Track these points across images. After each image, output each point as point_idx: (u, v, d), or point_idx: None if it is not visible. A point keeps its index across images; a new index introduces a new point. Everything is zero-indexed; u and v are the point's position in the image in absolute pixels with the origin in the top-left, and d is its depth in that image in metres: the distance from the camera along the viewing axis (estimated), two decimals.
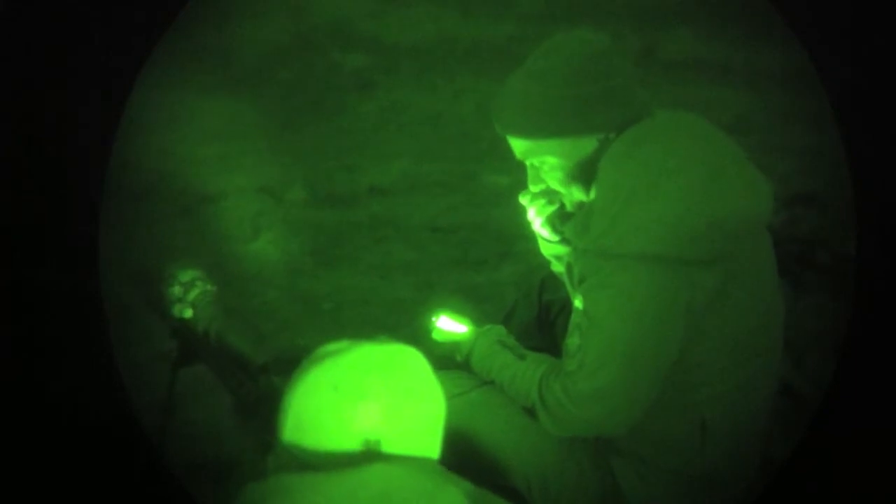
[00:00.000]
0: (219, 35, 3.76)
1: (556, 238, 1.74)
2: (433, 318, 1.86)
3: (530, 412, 1.64)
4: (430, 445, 1.22)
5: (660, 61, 3.92)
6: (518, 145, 1.61)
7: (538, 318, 1.96)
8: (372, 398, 1.18)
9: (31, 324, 2.22)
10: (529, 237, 1.81)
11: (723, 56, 3.89)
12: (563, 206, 1.70)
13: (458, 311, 1.87)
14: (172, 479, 1.80)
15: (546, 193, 1.70)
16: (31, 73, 2.66)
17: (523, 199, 1.74)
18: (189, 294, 1.75)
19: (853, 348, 1.95)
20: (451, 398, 1.29)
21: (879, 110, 2.60)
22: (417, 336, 1.84)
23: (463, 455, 1.35)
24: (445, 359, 1.80)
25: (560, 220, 1.69)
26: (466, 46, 4.00)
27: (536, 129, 1.57)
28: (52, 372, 2.11)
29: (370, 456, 1.17)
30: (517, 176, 1.71)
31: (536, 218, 1.75)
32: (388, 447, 1.18)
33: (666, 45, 4.01)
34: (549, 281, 1.90)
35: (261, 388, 1.63)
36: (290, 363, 1.34)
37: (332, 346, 1.25)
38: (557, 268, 1.77)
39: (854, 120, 2.59)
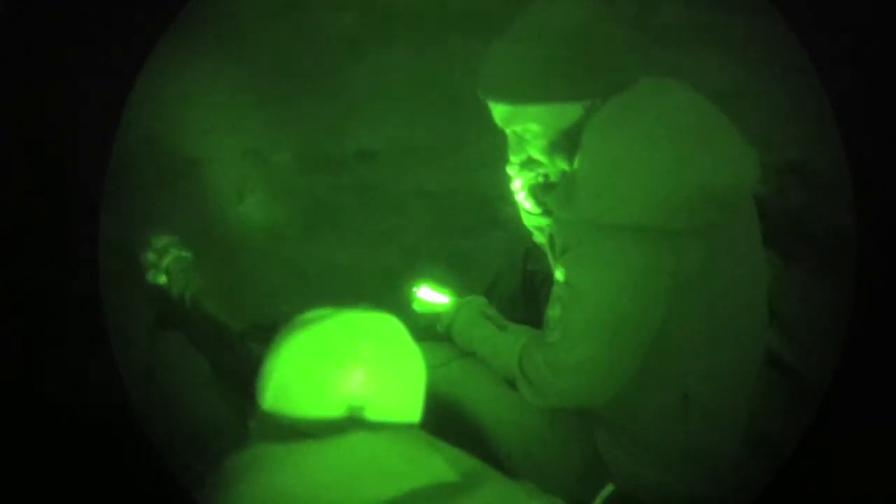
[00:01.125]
0: None
1: (538, 210, 1.72)
2: (414, 289, 1.85)
3: (511, 383, 1.64)
4: (412, 411, 1.23)
5: (655, 25, 3.86)
6: (501, 111, 1.59)
7: (522, 288, 1.95)
8: (355, 364, 1.18)
9: (30, 324, 2.22)
10: (514, 205, 1.78)
11: (718, 21, 3.84)
12: (546, 176, 1.68)
13: (442, 280, 1.86)
14: (172, 479, 1.80)
15: (529, 163, 1.67)
16: (31, 73, 2.66)
17: (510, 170, 1.72)
18: (163, 260, 1.75)
19: (853, 348, 1.95)
20: (432, 369, 1.29)
21: (879, 104, 2.59)
22: (402, 304, 1.83)
23: (444, 425, 1.34)
24: (427, 329, 1.79)
25: (543, 190, 1.68)
26: (458, 9, 3.93)
27: (520, 93, 1.55)
28: (51, 372, 2.11)
29: (354, 422, 1.17)
30: (505, 142, 1.68)
31: (520, 190, 1.73)
32: (371, 413, 1.18)
33: (661, 9, 3.96)
34: (534, 251, 1.87)
35: (238, 354, 1.62)
36: (269, 330, 1.33)
37: (313, 313, 1.24)
38: (539, 238, 1.75)
39: (854, 115, 2.59)
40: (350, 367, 1.18)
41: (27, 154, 2.64)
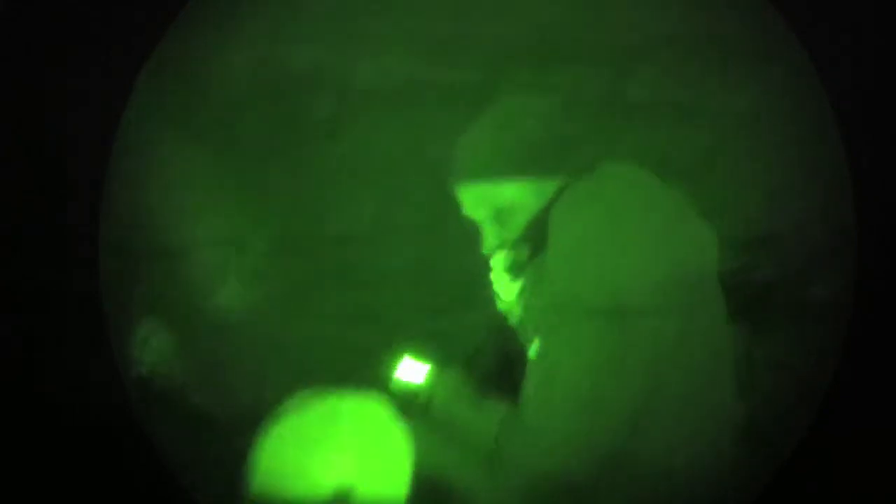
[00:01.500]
0: (184, 79, 3.72)
1: (512, 295, 1.76)
2: (394, 366, 1.88)
3: (489, 458, 1.65)
4: (398, 489, 1.23)
5: (624, 104, 3.91)
6: (479, 195, 1.64)
7: (498, 366, 1.97)
8: (340, 449, 1.19)
9: (30, 324, 2.22)
10: (493, 286, 1.82)
11: (687, 96, 3.88)
12: (520, 260, 1.71)
13: (420, 357, 1.89)
14: (173, 479, 1.80)
15: (503, 247, 1.72)
16: (31, 73, 2.66)
17: (486, 253, 1.76)
18: (144, 353, 1.76)
19: (853, 348, 1.95)
20: (412, 443, 1.30)
21: (881, 116, 2.60)
22: (381, 381, 1.86)
23: (424, 499, 1.37)
24: (406, 405, 1.81)
25: (516, 274, 1.71)
26: (434, 92, 3.99)
27: (501, 169, 1.62)
28: (51, 372, 2.11)
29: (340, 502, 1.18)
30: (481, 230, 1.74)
31: (496, 275, 1.77)
32: (359, 495, 1.19)
33: (630, 88, 4.00)
34: (510, 330, 1.91)
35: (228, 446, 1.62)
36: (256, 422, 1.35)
37: (296, 400, 1.25)
38: (514, 321, 1.79)
39: (854, 115, 2.59)
40: (334, 454, 1.19)
41: (27, 154, 2.64)
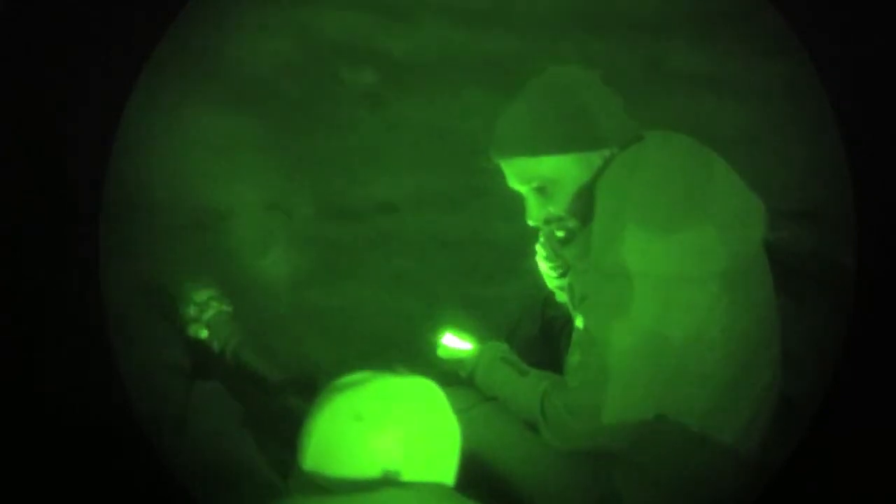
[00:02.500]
0: (224, 47, 3.76)
1: (556, 271, 1.77)
2: (438, 335, 1.88)
3: (532, 427, 1.66)
4: (446, 472, 1.25)
5: (664, 73, 3.93)
6: (520, 169, 1.64)
7: (541, 334, 1.99)
8: (392, 429, 1.22)
9: (30, 324, 2.22)
10: (532, 255, 1.83)
11: (726, 68, 3.90)
12: (566, 229, 1.72)
13: (464, 326, 1.90)
14: (172, 480, 1.80)
15: (548, 220, 1.72)
16: (31, 73, 2.66)
17: (531, 223, 1.75)
18: (204, 314, 1.77)
19: (853, 348, 1.95)
20: (456, 413, 1.31)
21: (880, 114, 2.60)
22: (424, 351, 1.86)
23: (467, 470, 1.38)
24: (450, 375, 1.83)
25: (562, 244, 1.72)
26: (473, 62, 4.02)
27: (542, 144, 1.62)
28: (51, 372, 2.11)
29: (388, 482, 1.19)
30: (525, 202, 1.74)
31: (541, 247, 1.78)
32: (407, 475, 1.21)
33: (670, 58, 4.03)
34: (552, 298, 1.93)
35: (276, 405, 1.64)
36: (305, 383, 1.38)
37: (354, 377, 1.28)
38: (562, 298, 1.80)
39: (854, 122, 2.59)
40: (385, 433, 1.22)
41: (27, 154, 2.64)
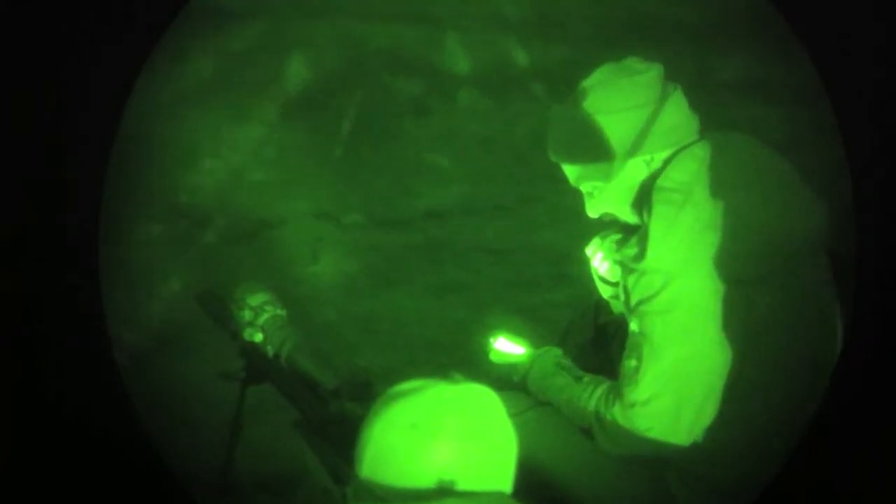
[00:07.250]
0: (274, 62, 3.78)
1: (613, 268, 1.73)
2: (491, 340, 1.87)
3: (587, 432, 1.66)
4: (503, 480, 1.24)
5: (714, 82, 3.92)
6: (571, 172, 1.64)
7: (594, 340, 1.96)
8: (448, 438, 1.20)
9: (30, 324, 2.22)
10: (582, 260, 1.81)
11: (776, 76, 3.89)
12: (622, 230, 1.70)
13: (516, 332, 1.88)
14: (172, 480, 1.80)
15: (606, 218, 1.70)
16: (31, 72, 2.66)
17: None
18: (259, 318, 1.76)
19: (853, 348, 1.95)
20: (509, 418, 1.30)
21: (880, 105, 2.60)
22: (473, 357, 1.86)
23: (524, 478, 1.37)
24: (502, 379, 1.81)
25: (618, 245, 1.69)
26: (520, 71, 4.03)
27: (580, 154, 1.60)
28: (51, 372, 2.11)
29: (444, 492, 1.19)
30: (571, 199, 1.72)
31: (597, 249, 1.75)
32: (463, 485, 1.20)
33: (719, 67, 4.02)
34: (604, 303, 1.90)
35: (331, 410, 1.64)
36: (359, 387, 1.37)
37: (409, 384, 1.26)
38: (617, 306, 1.77)
39: (854, 116, 2.59)
40: (441, 442, 1.20)
41: (27, 154, 2.65)
